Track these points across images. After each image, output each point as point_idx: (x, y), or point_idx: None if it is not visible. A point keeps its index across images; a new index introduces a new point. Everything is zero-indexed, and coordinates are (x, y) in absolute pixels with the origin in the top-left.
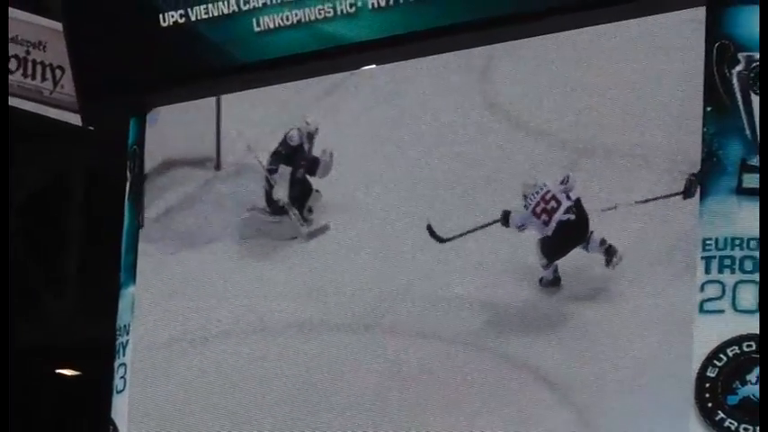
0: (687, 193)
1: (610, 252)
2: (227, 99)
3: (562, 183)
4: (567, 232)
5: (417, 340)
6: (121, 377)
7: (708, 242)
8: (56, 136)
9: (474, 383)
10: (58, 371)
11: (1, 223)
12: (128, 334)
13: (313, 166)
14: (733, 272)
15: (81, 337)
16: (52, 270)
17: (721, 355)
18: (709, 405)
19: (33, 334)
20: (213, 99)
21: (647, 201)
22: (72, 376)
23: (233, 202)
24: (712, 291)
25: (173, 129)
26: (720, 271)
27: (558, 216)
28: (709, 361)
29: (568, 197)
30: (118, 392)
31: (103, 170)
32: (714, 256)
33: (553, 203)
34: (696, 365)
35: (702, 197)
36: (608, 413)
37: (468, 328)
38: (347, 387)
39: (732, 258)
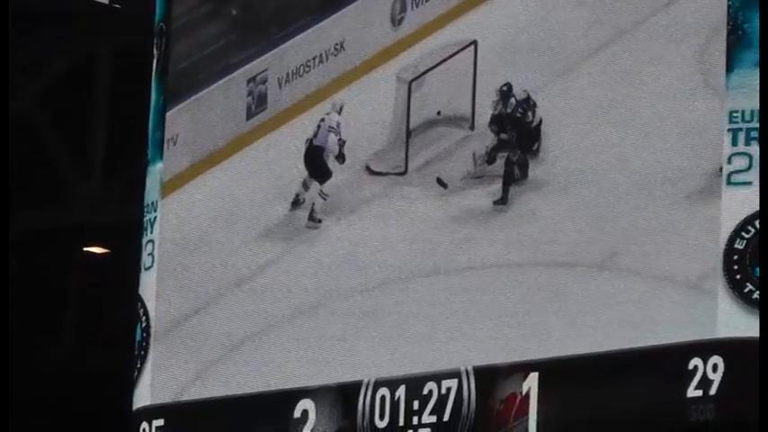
0: None
1: None
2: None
3: None
4: None
5: None
6: (149, 254)
7: (734, 114)
8: (82, 15)
9: None
10: (86, 249)
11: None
12: (155, 211)
13: None
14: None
15: (109, 215)
16: (80, 150)
17: (749, 227)
18: (738, 277)
19: (62, 213)
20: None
21: None
22: (100, 254)
23: None
24: (739, 162)
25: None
26: (747, 143)
27: None
28: (736, 233)
29: None
30: (146, 269)
31: (130, 48)
32: (741, 129)
33: None
34: (724, 237)
35: (728, 71)
36: (635, 284)
37: None
38: None
39: (758, 130)
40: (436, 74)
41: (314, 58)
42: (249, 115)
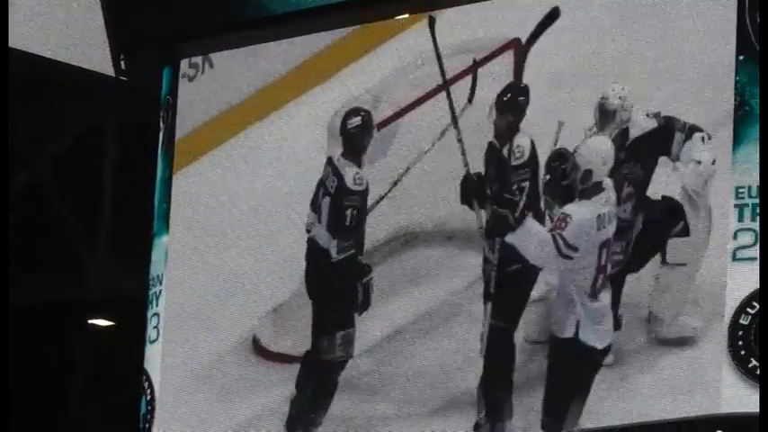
0: None
1: None
2: None
3: None
4: None
5: None
6: (154, 327)
7: (740, 190)
8: (89, 87)
9: None
10: (91, 321)
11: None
12: (161, 284)
13: None
14: None
15: (114, 288)
16: (86, 221)
17: (754, 303)
18: (743, 353)
19: (67, 284)
20: None
21: None
22: (105, 327)
23: None
24: (745, 239)
25: None
26: (753, 219)
27: None
28: (741, 309)
29: None
30: (151, 342)
31: (137, 121)
32: (747, 204)
33: None
34: (729, 313)
35: (735, 146)
36: (640, 359)
37: None
38: None
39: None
40: None
41: None
42: None
